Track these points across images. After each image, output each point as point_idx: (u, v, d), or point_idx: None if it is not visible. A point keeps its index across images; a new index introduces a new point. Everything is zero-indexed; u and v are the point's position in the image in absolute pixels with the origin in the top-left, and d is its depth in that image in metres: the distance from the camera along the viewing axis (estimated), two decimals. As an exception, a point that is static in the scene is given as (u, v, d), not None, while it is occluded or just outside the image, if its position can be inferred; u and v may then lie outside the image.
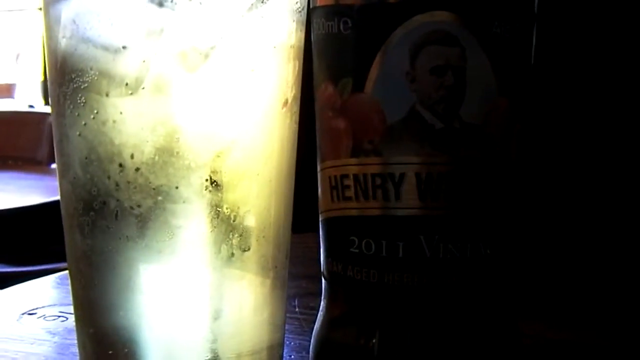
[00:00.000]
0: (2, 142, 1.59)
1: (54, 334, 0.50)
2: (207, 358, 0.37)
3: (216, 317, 0.37)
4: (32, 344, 0.49)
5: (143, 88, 0.35)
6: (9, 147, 1.59)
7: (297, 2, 0.38)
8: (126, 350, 0.37)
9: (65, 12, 0.36)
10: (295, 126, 0.39)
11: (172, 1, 0.35)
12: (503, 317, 0.39)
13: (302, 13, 0.39)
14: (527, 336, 0.44)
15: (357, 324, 0.38)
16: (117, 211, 0.36)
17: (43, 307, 0.55)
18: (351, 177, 0.37)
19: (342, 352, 0.39)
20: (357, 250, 0.37)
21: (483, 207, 0.36)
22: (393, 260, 0.36)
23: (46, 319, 0.53)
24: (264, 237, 0.38)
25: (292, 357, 0.46)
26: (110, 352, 0.37)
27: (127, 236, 0.36)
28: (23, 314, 0.54)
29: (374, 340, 0.37)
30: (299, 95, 0.39)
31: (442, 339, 0.37)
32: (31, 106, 1.68)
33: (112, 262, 0.36)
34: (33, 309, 0.55)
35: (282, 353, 0.41)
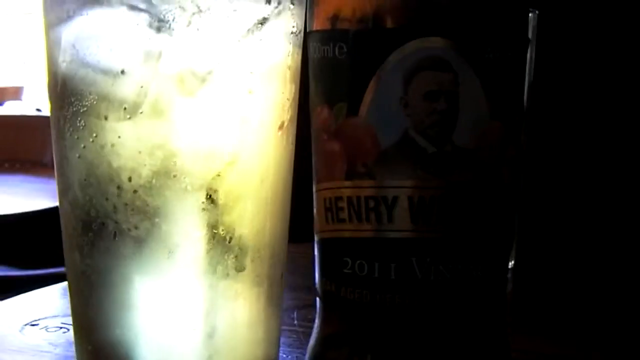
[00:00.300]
0: (9, 145, 1.60)
1: (55, 345, 0.51)
2: (202, 375, 0.38)
3: (211, 334, 0.38)
4: (33, 355, 0.50)
5: (141, 112, 0.35)
6: (17, 150, 1.60)
7: (293, 26, 0.39)
8: (123, 367, 0.37)
9: (65, 36, 0.37)
10: (292, 147, 0.40)
11: (169, 27, 0.35)
12: (494, 336, 0.39)
13: (299, 36, 0.39)
14: (519, 351, 0.45)
15: (350, 343, 0.39)
16: (115, 232, 0.36)
17: (46, 318, 0.56)
18: (345, 199, 0.37)
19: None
20: (350, 271, 0.38)
21: (475, 230, 0.37)
22: (385, 282, 0.37)
23: (48, 330, 0.54)
24: (259, 257, 0.38)
25: (289, 371, 0.47)
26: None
27: (124, 256, 0.37)
28: (25, 324, 0.55)
29: (364, 354, 0.38)
30: (295, 117, 0.40)
31: (433, 355, 0.37)
32: (38, 110, 1.69)
33: (109, 281, 0.37)
34: (35, 320, 0.56)
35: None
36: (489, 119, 0.36)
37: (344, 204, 0.37)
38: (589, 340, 0.53)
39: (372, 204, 0.37)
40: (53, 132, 0.38)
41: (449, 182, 0.36)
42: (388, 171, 0.36)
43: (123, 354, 0.38)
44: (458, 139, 0.36)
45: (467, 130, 0.36)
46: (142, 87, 0.35)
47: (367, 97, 0.36)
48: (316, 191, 0.39)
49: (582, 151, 0.72)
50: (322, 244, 0.39)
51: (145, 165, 0.36)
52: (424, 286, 0.36)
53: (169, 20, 0.35)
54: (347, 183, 0.37)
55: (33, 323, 0.55)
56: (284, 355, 0.47)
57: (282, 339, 0.45)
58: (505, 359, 0.40)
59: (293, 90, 0.39)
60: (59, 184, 0.39)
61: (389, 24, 0.36)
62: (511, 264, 0.72)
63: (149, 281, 0.37)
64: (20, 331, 0.54)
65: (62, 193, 0.38)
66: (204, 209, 0.36)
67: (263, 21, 0.37)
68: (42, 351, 0.50)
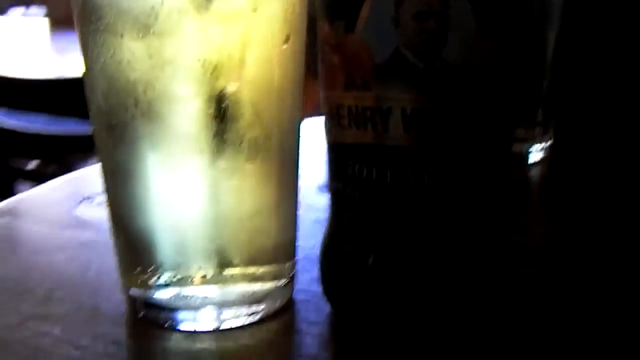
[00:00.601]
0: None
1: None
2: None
3: (216, 219, 0.42)
4: (88, 229, 0.55)
5: (152, 32, 0.39)
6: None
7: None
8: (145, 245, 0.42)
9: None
10: (300, 57, 0.43)
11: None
12: (492, 236, 0.43)
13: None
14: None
15: (354, 240, 0.42)
16: (133, 138, 0.40)
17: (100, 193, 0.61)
18: (346, 107, 0.40)
19: (340, 257, 0.43)
20: (352, 173, 0.41)
21: (464, 141, 0.39)
22: (382, 185, 0.40)
23: (100, 205, 0.59)
24: (269, 150, 0.42)
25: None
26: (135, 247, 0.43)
27: (142, 158, 0.41)
28: (81, 201, 0.60)
29: (366, 250, 0.42)
30: (303, 30, 0.42)
31: (427, 252, 0.41)
32: None
33: (130, 179, 0.42)
34: (91, 195, 0.61)
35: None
36: (478, 38, 0.38)
37: (344, 112, 0.40)
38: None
39: (368, 113, 0.39)
40: (79, 43, 0.42)
41: (439, 95, 0.38)
42: (382, 84, 0.39)
43: (146, 241, 0.43)
44: (447, 56, 0.38)
45: (455, 48, 0.38)
46: (152, 7, 0.38)
47: (362, 15, 0.38)
48: (322, 97, 0.42)
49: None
50: (330, 146, 0.43)
51: (157, 79, 0.39)
52: (417, 190, 0.40)
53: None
54: (347, 93, 0.40)
55: (88, 197, 0.61)
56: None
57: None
58: (504, 256, 0.43)
59: (297, 6, 0.41)
60: (86, 91, 0.42)
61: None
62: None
63: (163, 177, 0.41)
64: (76, 205, 0.59)
65: (90, 99, 0.42)
66: (215, 117, 0.40)
67: None
68: (95, 227, 0.56)
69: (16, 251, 0.54)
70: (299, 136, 0.45)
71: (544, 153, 0.75)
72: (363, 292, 0.42)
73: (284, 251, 0.46)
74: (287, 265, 0.47)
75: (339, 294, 0.44)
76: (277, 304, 0.45)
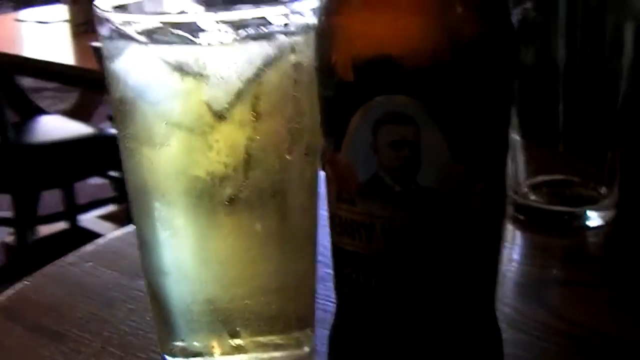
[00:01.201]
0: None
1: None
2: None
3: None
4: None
5: (167, 145, 0.44)
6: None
7: (299, 61, 0.44)
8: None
9: (117, 73, 0.45)
10: (305, 166, 0.47)
11: (188, 72, 0.43)
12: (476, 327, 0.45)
13: (307, 70, 0.45)
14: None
15: (350, 332, 0.46)
16: (156, 225, 0.46)
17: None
18: (337, 217, 0.44)
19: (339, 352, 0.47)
20: (345, 274, 0.45)
21: (442, 257, 0.42)
22: (366, 288, 0.44)
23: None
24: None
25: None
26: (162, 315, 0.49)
27: (164, 248, 0.46)
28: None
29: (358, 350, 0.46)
30: (309, 142, 0.46)
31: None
32: None
33: (153, 251, 0.47)
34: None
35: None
36: (452, 163, 0.41)
37: (337, 220, 0.44)
38: None
39: (354, 226, 0.43)
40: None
41: (414, 215, 0.41)
42: (364, 202, 0.42)
43: (170, 311, 0.48)
44: (422, 180, 0.41)
45: (430, 173, 0.41)
46: (165, 125, 0.44)
47: (347, 138, 0.42)
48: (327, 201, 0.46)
49: None
50: (331, 245, 0.46)
51: (172, 187, 0.44)
52: (399, 297, 0.43)
53: (184, 65, 0.43)
54: (338, 204, 0.44)
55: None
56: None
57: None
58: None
59: (301, 116, 0.45)
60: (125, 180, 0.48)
61: (361, 79, 0.40)
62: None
63: (179, 255, 0.47)
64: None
65: (127, 186, 0.48)
66: (222, 219, 0.45)
67: (272, 58, 0.43)
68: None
69: (85, 297, 0.62)
70: (316, 216, 0.49)
71: (607, 217, 0.74)
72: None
73: (308, 312, 0.50)
74: (307, 332, 0.51)
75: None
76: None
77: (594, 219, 0.74)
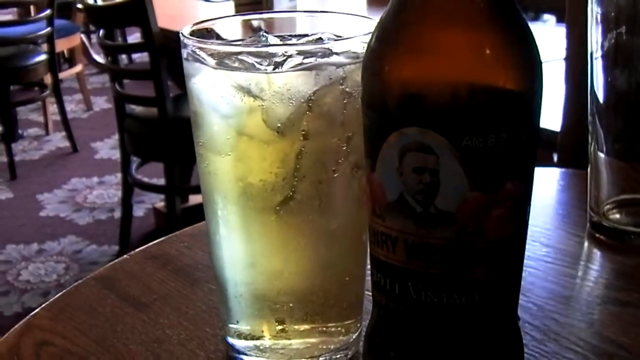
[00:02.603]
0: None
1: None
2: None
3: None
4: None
5: (229, 154, 0.51)
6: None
7: (347, 88, 0.50)
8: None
9: (193, 89, 0.52)
10: (352, 184, 0.52)
11: (253, 92, 0.49)
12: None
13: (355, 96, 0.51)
14: None
15: (380, 332, 0.52)
16: (218, 220, 0.53)
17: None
18: (372, 228, 0.50)
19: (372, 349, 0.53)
20: (377, 280, 0.51)
21: (457, 273, 0.47)
22: (392, 294, 0.49)
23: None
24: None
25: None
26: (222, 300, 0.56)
27: (232, 243, 0.53)
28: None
29: (386, 346, 0.51)
30: (354, 160, 0.52)
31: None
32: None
33: (216, 242, 0.55)
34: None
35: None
36: (468, 190, 0.45)
37: (372, 231, 0.50)
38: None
39: (383, 237, 0.49)
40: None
41: (433, 234, 0.46)
42: (391, 218, 0.48)
43: (228, 296, 0.55)
44: (440, 204, 0.46)
45: (447, 197, 0.46)
46: (228, 138, 0.50)
47: (378, 162, 0.47)
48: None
49: None
50: (369, 254, 0.52)
51: (232, 190, 0.51)
52: (416, 305, 0.48)
53: (246, 88, 0.49)
54: (373, 217, 0.49)
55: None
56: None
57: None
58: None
59: (348, 137, 0.51)
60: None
61: (392, 112, 0.46)
62: None
63: (238, 245, 0.53)
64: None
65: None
66: (272, 221, 0.52)
67: (321, 86, 0.49)
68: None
69: (174, 274, 0.70)
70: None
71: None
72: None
73: (351, 308, 0.56)
74: (355, 321, 0.57)
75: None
76: (347, 356, 0.56)
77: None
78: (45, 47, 3.66)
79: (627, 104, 0.79)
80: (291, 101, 0.49)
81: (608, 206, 0.80)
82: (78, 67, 4.32)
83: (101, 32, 2.52)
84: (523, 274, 0.70)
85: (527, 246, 0.75)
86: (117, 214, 3.08)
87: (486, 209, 0.46)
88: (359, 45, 0.50)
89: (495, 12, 0.45)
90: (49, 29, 3.56)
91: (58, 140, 4.08)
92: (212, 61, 0.50)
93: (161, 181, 2.79)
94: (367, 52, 0.47)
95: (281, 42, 0.50)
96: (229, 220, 0.53)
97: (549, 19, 3.19)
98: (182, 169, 2.73)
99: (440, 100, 0.45)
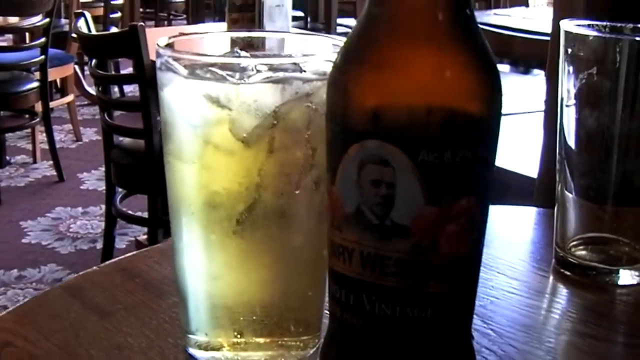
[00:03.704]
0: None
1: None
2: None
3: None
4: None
5: (195, 162, 0.52)
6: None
7: (309, 104, 0.52)
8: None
9: (164, 99, 0.54)
10: (314, 193, 0.54)
11: (220, 103, 0.51)
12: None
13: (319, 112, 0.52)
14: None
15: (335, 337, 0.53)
16: (182, 228, 0.54)
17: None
18: (330, 239, 0.51)
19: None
20: (333, 292, 0.52)
21: (411, 285, 0.48)
22: (347, 305, 0.50)
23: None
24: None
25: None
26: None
27: (195, 253, 0.55)
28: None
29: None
30: (318, 174, 0.53)
31: None
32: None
33: (179, 251, 0.56)
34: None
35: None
36: (424, 204, 0.47)
37: (330, 243, 0.51)
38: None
39: (340, 249, 0.50)
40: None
41: (388, 246, 0.48)
42: (348, 230, 0.49)
43: (187, 307, 0.56)
44: (396, 217, 0.47)
45: (403, 211, 0.47)
46: (195, 147, 0.52)
47: (339, 174, 0.49)
48: (328, 224, 0.53)
49: None
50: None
51: (196, 199, 0.53)
52: (370, 316, 0.49)
53: (214, 98, 0.51)
54: (331, 229, 0.51)
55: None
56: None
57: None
58: None
59: (312, 152, 0.52)
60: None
61: (352, 126, 0.47)
62: None
63: (198, 256, 0.54)
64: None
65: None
66: (234, 232, 0.53)
67: (287, 100, 0.51)
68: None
69: (141, 287, 0.71)
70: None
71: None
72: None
73: (311, 323, 0.57)
74: (313, 336, 0.58)
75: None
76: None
77: (625, 277, 0.77)
78: (37, 75, 3.68)
79: (595, 145, 0.81)
80: (257, 112, 0.50)
81: (574, 243, 0.82)
82: (69, 97, 4.34)
83: (93, 61, 2.55)
84: (485, 303, 0.72)
85: (492, 278, 0.77)
86: (99, 245, 3.08)
87: (441, 224, 0.47)
88: (328, 64, 0.51)
89: (455, 34, 0.47)
90: (42, 57, 3.58)
91: (45, 168, 4.08)
92: (184, 71, 0.51)
93: (145, 214, 2.80)
94: (332, 67, 0.49)
95: (250, 56, 0.51)
96: (192, 229, 0.54)
97: (539, 73, 3.24)
98: (166, 202, 2.73)
99: (398, 116, 0.46)
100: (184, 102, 0.52)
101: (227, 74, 0.50)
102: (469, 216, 0.48)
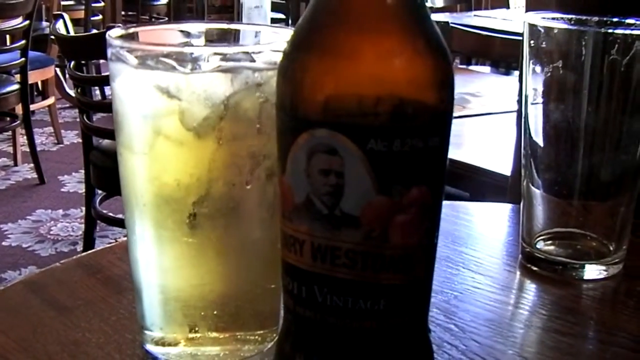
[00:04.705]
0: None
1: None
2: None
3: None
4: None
5: (146, 153, 0.52)
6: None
7: (261, 95, 0.51)
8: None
9: (115, 89, 0.53)
10: (266, 185, 0.53)
11: (170, 92, 0.50)
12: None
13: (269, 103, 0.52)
14: None
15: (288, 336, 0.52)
16: (136, 220, 0.54)
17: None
18: (281, 231, 0.50)
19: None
20: (285, 284, 0.51)
21: (362, 277, 0.48)
22: (300, 298, 0.50)
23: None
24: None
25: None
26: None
27: (144, 245, 0.54)
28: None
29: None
30: (267, 165, 0.52)
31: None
32: None
33: (134, 244, 0.55)
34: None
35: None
36: (373, 194, 0.46)
37: (281, 234, 0.50)
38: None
39: (292, 240, 0.49)
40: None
41: (338, 236, 0.47)
42: (299, 220, 0.48)
43: (143, 302, 0.56)
44: (345, 207, 0.47)
45: (352, 200, 0.46)
46: (146, 137, 0.51)
47: (288, 163, 0.48)
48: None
49: None
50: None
51: (147, 190, 0.52)
52: (322, 308, 0.49)
53: (164, 88, 0.50)
54: (282, 220, 0.50)
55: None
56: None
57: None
58: None
59: (263, 143, 0.52)
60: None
61: (300, 115, 0.47)
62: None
63: (153, 249, 0.54)
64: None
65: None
66: (186, 224, 0.52)
67: (237, 90, 0.50)
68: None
69: (101, 283, 0.70)
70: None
71: (610, 272, 0.77)
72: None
73: (267, 316, 0.57)
74: (270, 330, 0.57)
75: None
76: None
77: (591, 272, 0.76)
78: (18, 77, 3.66)
79: (561, 139, 0.81)
80: (207, 102, 0.50)
81: (541, 238, 0.81)
82: (50, 100, 4.31)
83: (72, 63, 2.53)
84: (448, 297, 0.72)
85: (457, 273, 0.76)
86: (80, 247, 3.06)
87: (391, 214, 0.47)
88: (279, 54, 0.51)
89: (405, 21, 0.47)
90: (22, 59, 3.56)
91: (26, 171, 4.06)
92: (134, 61, 0.51)
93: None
94: (282, 56, 0.49)
95: (200, 46, 0.51)
96: (144, 221, 0.53)
97: (518, 73, 3.23)
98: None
99: (345, 104, 0.46)
100: (134, 93, 0.51)
101: (178, 64, 0.50)
102: (421, 206, 0.48)
